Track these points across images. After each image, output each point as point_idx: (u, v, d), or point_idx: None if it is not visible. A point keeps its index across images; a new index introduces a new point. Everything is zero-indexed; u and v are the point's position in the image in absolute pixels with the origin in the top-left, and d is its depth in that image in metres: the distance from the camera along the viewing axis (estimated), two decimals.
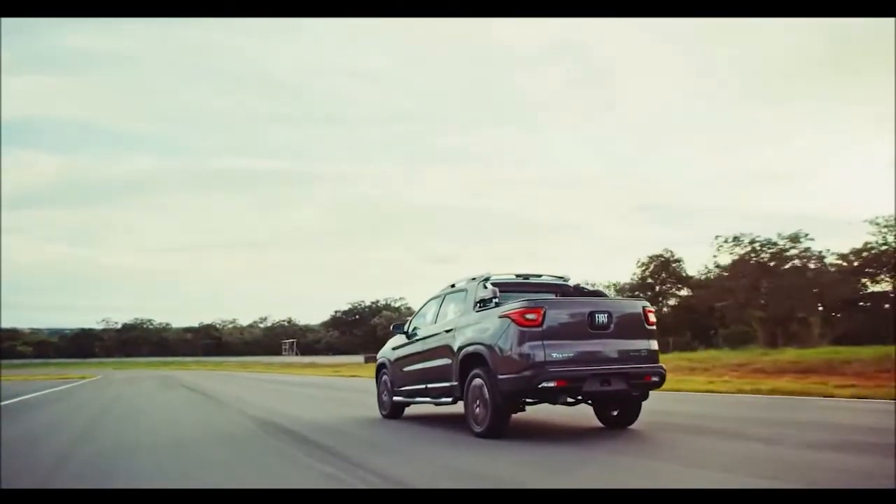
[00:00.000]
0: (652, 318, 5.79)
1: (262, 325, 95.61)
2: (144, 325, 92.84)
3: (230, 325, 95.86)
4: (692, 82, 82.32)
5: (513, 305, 5.52)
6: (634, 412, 6.03)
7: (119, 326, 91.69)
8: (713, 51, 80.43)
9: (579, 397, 5.75)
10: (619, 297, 7.75)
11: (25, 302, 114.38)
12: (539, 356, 5.28)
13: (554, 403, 5.76)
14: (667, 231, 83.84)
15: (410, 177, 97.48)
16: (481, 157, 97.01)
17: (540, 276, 6.74)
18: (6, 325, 79.62)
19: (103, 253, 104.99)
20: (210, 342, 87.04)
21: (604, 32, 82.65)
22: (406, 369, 7.21)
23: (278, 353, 72.14)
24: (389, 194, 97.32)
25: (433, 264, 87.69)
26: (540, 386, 5.24)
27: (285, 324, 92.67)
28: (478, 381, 5.66)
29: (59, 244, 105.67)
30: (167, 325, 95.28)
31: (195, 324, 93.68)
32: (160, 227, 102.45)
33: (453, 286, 6.79)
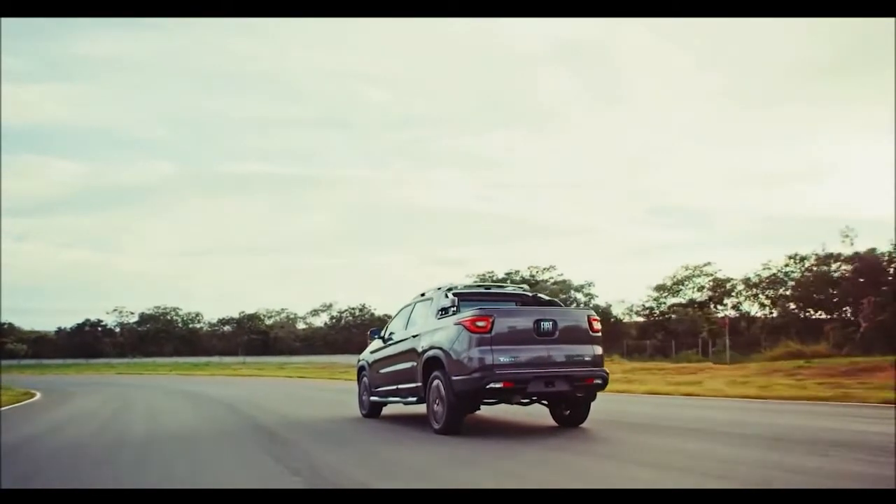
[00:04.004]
0: (597, 325, 9.53)
1: (324, 315, 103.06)
2: (168, 317, 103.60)
3: (281, 316, 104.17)
4: (700, 83, 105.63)
5: (466, 314, 9.38)
6: (584, 412, 9.84)
7: (136, 318, 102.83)
8: (722, 51, 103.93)
9: (534, 398, 9.56)
10: (568, 307, 11.69)
11: (47, 307, 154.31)
12: (488, 360, 9.08)
13: (510, 403, 9.64)
14: (683, 234, 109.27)
15: (421, 180, 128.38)
16: (492, 159, 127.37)
17: (501, 286, 10.56)
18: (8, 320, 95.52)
19: (124, 258, 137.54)
20: (255, 338, 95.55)
21: (613, 33, 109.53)
22: (381, 371, 11.55)
23: (358, 349, 77.74)
24: (400, 197, 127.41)
25: (447, 267, 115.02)
26: (488, 386, 9.07)
27: (356, 311, 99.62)
28: (436, 381, 9.63)
29: (80, 250, 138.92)
30: (197, 315, 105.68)
31: (234, 314, 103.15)
32: (179, 231, 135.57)
33: (423, 295, 10.83)
